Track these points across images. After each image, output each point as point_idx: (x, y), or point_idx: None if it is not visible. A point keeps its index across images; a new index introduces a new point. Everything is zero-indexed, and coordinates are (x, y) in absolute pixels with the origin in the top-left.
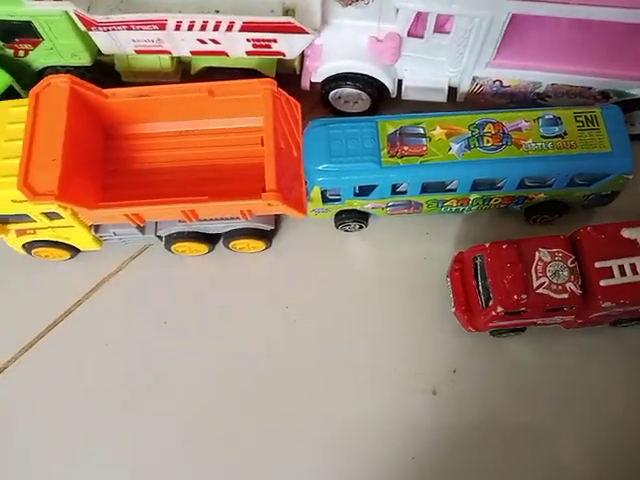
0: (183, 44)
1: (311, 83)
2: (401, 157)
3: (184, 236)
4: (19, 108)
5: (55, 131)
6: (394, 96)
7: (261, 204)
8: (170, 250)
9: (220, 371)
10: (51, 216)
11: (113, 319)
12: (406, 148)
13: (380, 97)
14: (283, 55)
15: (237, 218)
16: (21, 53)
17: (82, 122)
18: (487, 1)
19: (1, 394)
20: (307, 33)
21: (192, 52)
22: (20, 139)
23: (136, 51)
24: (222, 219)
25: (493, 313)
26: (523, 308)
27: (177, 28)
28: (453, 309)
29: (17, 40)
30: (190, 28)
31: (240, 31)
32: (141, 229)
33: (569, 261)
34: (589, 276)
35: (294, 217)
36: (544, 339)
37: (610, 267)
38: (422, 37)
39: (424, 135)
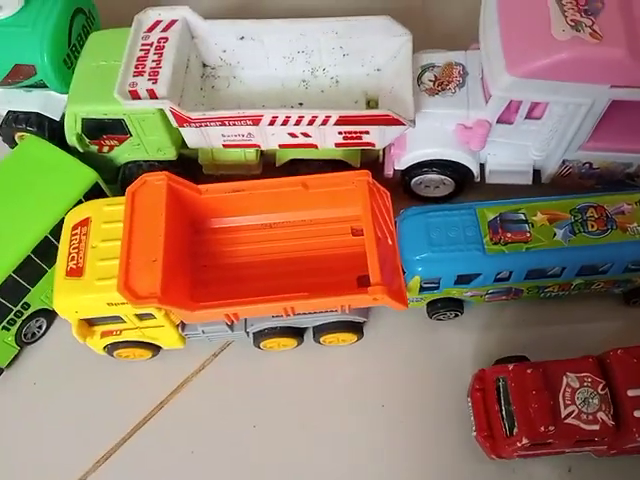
0: (273, 138)
1: (394, 170)
2: (505, 244)
3: (275, 332)
4: (113, 207)
5: (154, 230)
6: (478, 180)
7: (366, 298)
8: (259, 347)
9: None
10: (143, 317)
11: (198, 423)
12: (509, 235)
13: (464, 181)
14: (372, 146)
15: (332, 311)
16: (105, 149)
17: (176, 219)
18: (589, 89)
19: None
20: (403, 125)
21: (280, 145)
22: (115, 239)
23: (224, 145)
24: (316, 312)
25: (518, 444)
26: (550, 440)
27: (271, 123)
28: (474, 433)
29: (104, 137)
30: (285, 123)
31: (334, 124)
32: (230, 326)
33: (599, 387)
34: (622, 405)
35: (393, 309)
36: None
37: None
38: (510, 123)
39: (526, 221)
